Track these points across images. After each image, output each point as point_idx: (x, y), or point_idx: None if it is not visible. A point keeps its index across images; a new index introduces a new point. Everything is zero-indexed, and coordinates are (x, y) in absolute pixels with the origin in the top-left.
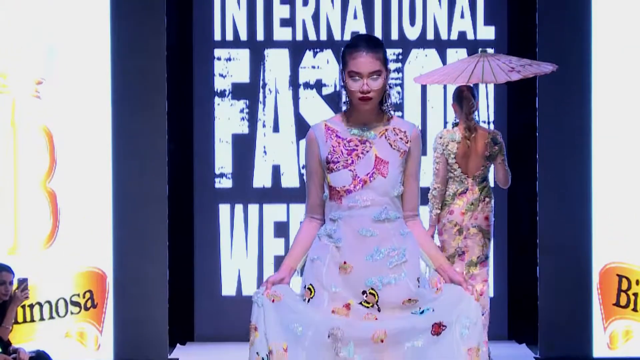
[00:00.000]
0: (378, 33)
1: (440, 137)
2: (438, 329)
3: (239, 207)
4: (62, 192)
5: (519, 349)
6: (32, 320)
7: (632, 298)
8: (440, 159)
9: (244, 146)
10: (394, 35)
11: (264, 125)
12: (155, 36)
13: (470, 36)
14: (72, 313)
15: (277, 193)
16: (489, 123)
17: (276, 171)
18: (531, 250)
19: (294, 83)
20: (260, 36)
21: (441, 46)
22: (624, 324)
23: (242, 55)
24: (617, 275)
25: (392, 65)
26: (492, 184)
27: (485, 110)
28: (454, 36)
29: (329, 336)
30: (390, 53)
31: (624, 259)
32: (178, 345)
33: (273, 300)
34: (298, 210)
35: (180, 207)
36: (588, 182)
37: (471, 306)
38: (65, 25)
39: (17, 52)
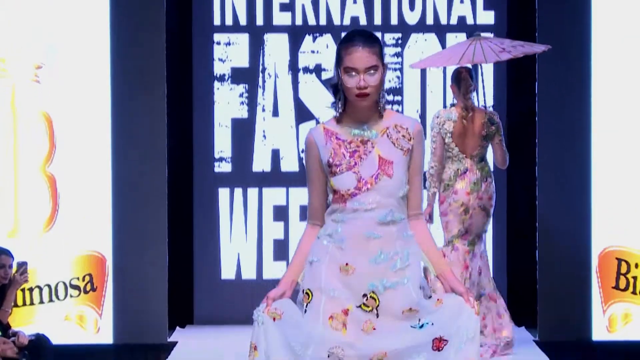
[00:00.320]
0: (377, 18)
1: (437, 117)
2: (439, 343)
3: (238, 191)
4: (62, 176)
5: (518, 332)
6: (32, 304)
7: (632, 281)
8: (437, 137)
9: (243, 130)
10: (394, 20)
11: (263, 110)
12: (155, 21)
13: (469, 21)
14: (71, 296)
15: (276, 177)
16: (486, 108)
17: (275, 155)
18: (530, 234)
19: (294, 67)
20: (259, 21)
21: (441, 31)
22: (623, 307)
23: (242, 40)
24: (617, 258)
25: (391, 50)
26: (491, 167)
27: (484, 96)
28: (454, 21)
29: (328, 356)
30: (390, 37)
31: (623, 242)
32: (177, 328)
33: (274, 319)
34: (297, 194)
35: (179, 191)
36: (587, 166)
37: (471, 320)
38: (64, 11)
39: (16, 37)
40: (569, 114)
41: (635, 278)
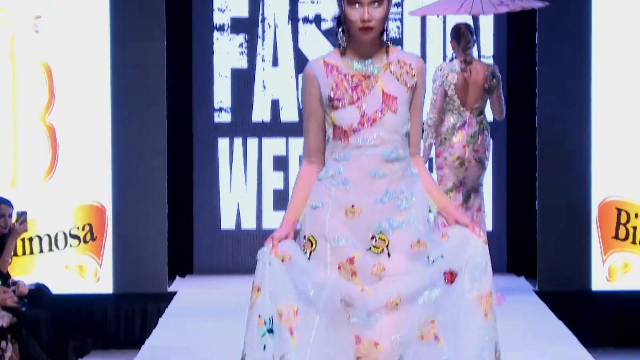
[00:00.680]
0: None
1: (440, 69)
2: (450, 277)
3: (238, 141)
4: (61, 126)
5: (518, 281)
6: (32, 253)
7: (631, 231)
8: (439, 90)
9: (243, 80)
10: None
11: (263, 60)
12: None
13: None
14: (71, 246)
15: (276, 127)
16: (480, 58)
17: (275, 105)
18: (530, 184)
19: (293, 17)
20: None
21: None
22: (622, 256)
23: None
24: (616, 208)
25: None
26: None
27: (484, 46)
28: None
29: (341, 301)
30: None
31: (623, 192)
32: (177, 277)
33: (282, 260)
34: (297, 144)
35: (179, 141)
36: (587, 118)
37: (479, 250)
38: None
39: None
40: (569, 65)
41: (635, 228)
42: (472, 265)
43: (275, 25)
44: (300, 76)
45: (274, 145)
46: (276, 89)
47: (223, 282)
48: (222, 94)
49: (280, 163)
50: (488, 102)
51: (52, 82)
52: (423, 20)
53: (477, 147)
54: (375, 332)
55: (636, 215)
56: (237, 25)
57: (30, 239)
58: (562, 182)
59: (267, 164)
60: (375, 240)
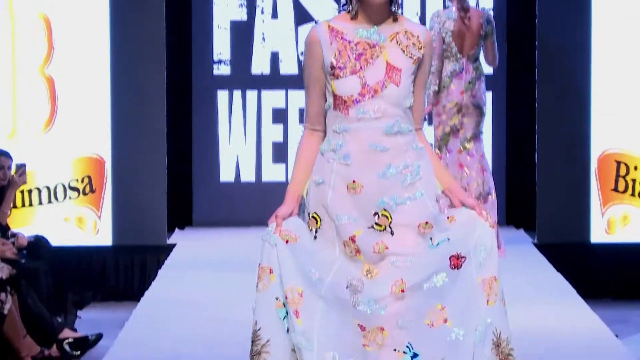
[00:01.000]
0: None
1: (437, 16)
2: (457, 261)
3: (237, 94)
4: (60, 78)
5: (517, 233)
6: (31, 205)
7: (630, 183)
8: (437, 36)
9: (242, 33)
10: None
11: (262, 12)
12: None
13: None
14: (70, 198)
15: (275, 80)
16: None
17: (275, 58)
18: (530, 137)
19: None
20: None
21: None
22: (622, 209)
23: None
24: (616, 161)
25: None
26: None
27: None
28: None
29: (347, 286)
30: None
31: (622, 145)
32: (176, 230)
33: (287, 242)
34: (296, 97)
35: (178, 93)
36: (587, 69)
37: (487, 233)
38: None
39: None
40: (569, 17)
41: (634, 180)
42: (479, 249)
43: None
44: (300, 28)
45: (273, 98)
46: (276, 41)
47: (222, 234)
48: (221, 46)
49: (280, 115)
50: None
51: (51, 34)
52: None
53: (475, 93)
54: (381, 319)
55: (635, 168)
56: None
57: (30, 191)
58: (561, 135)
59: (267, 116)
60: (378, 217)
